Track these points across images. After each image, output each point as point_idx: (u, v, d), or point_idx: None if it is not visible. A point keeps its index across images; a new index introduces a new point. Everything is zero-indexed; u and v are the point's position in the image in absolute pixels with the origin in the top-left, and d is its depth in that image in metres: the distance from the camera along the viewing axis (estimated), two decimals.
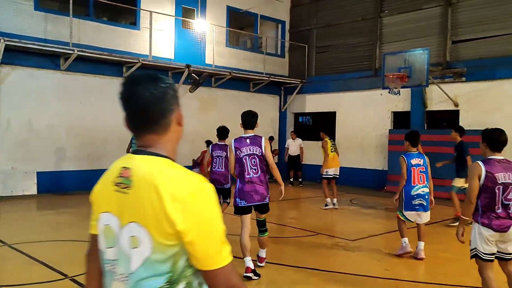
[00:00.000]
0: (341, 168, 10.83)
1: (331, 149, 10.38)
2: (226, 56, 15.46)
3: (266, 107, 17.16)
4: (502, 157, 4.01)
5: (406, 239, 6.30)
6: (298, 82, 16.75)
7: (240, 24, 17.16)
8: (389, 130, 14.06)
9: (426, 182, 6.21)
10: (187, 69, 13.20)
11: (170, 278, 1.39)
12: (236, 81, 15.49)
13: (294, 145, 15.14)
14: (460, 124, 12.64)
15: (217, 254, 1.39)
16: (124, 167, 1.47)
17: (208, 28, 14.71)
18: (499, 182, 3.87)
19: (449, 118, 13.24)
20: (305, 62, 16.97)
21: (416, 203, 6.19)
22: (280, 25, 17.70)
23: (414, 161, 6.23)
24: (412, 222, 6.32)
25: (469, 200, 3.99)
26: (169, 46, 13.98)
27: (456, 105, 12.80)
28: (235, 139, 5.63)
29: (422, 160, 6.26)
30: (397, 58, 12.13)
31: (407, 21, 14.16)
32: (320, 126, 16.55)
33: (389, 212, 9.84)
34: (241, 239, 5.39)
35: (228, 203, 7.75)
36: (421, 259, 6.18)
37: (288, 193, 12.62)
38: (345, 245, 7.02)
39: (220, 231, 1.41)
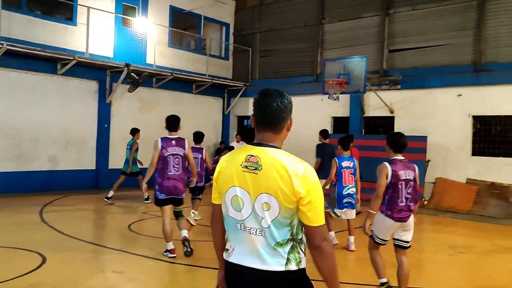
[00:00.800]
0: None
1: None
2: (169, 57, 15.16)
3: (209, 110, 17.01)
4: (403, 158, 4.62)
5: (333, 233, 7.00)
6: (242, 85, 16.74)
7: (183, 25, 16.91)
8: (330, 134, 14.33)
9: (354, 183, 6.83)
10: (126, 68, 12.79)
11: (291, 231, 2.04)
12: (179, 82, 15.23)
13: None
14: (395, 129, 13.21)
15: (320, 215, 2.04)
16: (250, 155, 2.10)
17: (150, 27, 14.36)
18: (401, 178, 4.48)
19: (385, 124, 13.75)
20: (249, 66, 17.01)
21: (346, 201, 6.80)
22: (224, 28, 17.62)
23: (344, 164, 6.78)
24: (338, 217, 6.92)
25: (377, 196, 4.51)
26: (108, 44, 13.49)
27: (392, 111, 13.30)
28: (161, 138, 6.13)
29: (352, 162, 6.85)
30: (337, 65, 12.43)
31: (347, 29, 14.57)
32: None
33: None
34: (163, 226, 5.99)
35: (200, 199, 8.76)
36: (352, 250, 6.82)
37: None
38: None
39: (322, 199, 2.06)
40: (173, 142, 6.04)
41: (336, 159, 6.82)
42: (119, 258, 6.08)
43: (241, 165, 2.10)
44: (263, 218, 2.04)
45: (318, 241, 2.02)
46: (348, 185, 6.76)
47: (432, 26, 12.83)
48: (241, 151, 2.15)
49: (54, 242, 6.80)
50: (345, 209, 6.81)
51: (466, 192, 11.53)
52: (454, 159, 12.09)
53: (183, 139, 6.15)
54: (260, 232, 2.04)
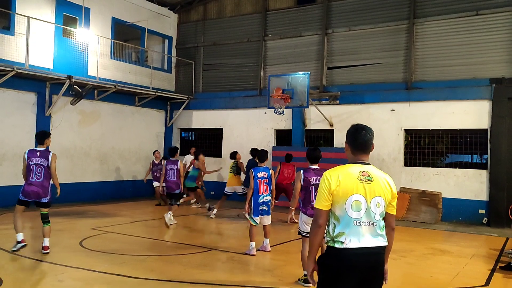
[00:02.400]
0: (222, 184, 11.69)
1: (230, 170, 11.97)
2: (111, 69, 14.91)
3: (152, 122, 16.89)
4: (317, 167, 6.05)
5: (253, 243, 7.47)
6: (185, 98, 16.82)
7: (125, 37, 16.73)
8: (273, 146, 14.84)
9: (269, 191, 7.44)
10: (68, 80, 12.44)
11: (382, 216, 3.05)
12: (121, 94, 15.02)
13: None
14: (335, 141, 13.97)
15: (395, 208, 3.13)
16: (362, 171, 3.02)
17: (92, 38, 14.07)
18: (311, 183, 5.82)
19: (326, 137, 14.49)
20: (192, 79, 17.15)
21: (261, 209, 7.39)
22: (167, 40, 17.64)
23: (260, 174, 7.39)
24: (258, 224, 7.43)
25: (294, 196, 6.11)
26: (47, 55, 13.05)
27: (331, 125, 14.06)
28: (28, 150, 7.10)
29: (266, 173, 7.45)
30: (281, 80, 12.96)
31: (289, 46, 15.22)
32: (206, 142, 16.90)
33: (274, 225, 10.38)
34: (14, 218, 7.08)
35: (178, 205, 10.24)
36: (268, 251, 7.66)
37: (183, 210, 12.61)
38: (239, 259, 7.26)
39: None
40: (38, 153, 6.96)
41: (252, 170, 7.35)
42: (80, 275, 5.99)
43: (357, 178, 2.98)
44: (375, 213, 2.99)
45: (394, 224, 3.16)
46: (263, 194, 7.32)
47: (367, 46, 13.79)
48: (352, 168, 3.04)
49: (6, 262, 6.53)
50: (260, 216, 7.37)
51: (400, 200, 12.42)
52: (388, 169, 12.97)
53: (49, 152, 7.05)
54: (371, 223, 2.98)
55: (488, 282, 6.42)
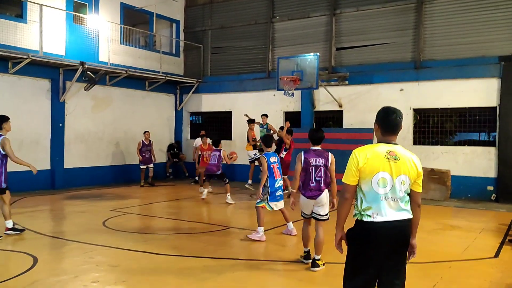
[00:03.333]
0: None
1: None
2: (121, 54, 15.09)
3: (162, 106, 17.12)
4: (319, 148, 5.79)
5: (262, 228, 7.24)
6: (194, 82, 16.99)
7: (133, 21, 16.84)
8: (281, 128, 14.99)
9: (281, 176, 7.35)
10: (81, 66, 12.65)
11: (407, 193, 3.25)
12: (132, 79, 15.23)
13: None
14: (344, 122, 14.14)
15: (420, 186, 3.30)
16: (390, 150, 3.20)
17: (102, 24, 14.22)
18: (311, 164, 5.66)
19: (335, 118, 14.66)
20: (201, 62, 17.28)
21: (278, 194, 7.28)
22: (174, 25, 17.74)
23: (272, 159, 7.30)
24: (273, 209, 7.28)
25: (295, 177, 5.78)
26: (59, 42, 13.24)
27: (340, 106, 14.21)
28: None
29: (276, 158, 7.38)
30: (290, 62, 13.09)
31: (296, 28, 15.28)
32: (215, 125, 17.13)
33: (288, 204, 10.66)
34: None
35: (227, 182, 11.24)
36: (295, 235, 7.42)
37: (195, 191, 12.91)
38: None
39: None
40: None
41: (264, 156, 7.18)
42: (109, 253, 6.30)
43: (384, 157, 3.18)
44: (400, 190, 3.19)
45: (420, 201, 3.33)
46: (278, 178, 7.21)
47: (376, 26, 13.84)
48: (380, 147, 3.23)
49: (37, 242, 6.86)
50: (278, 201, 7.25)
51: None
52: None
53: (5, 139, 7.12)
54: (396, 199, 3.20)
55: (497, 254, 6.68)
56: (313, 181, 5.67)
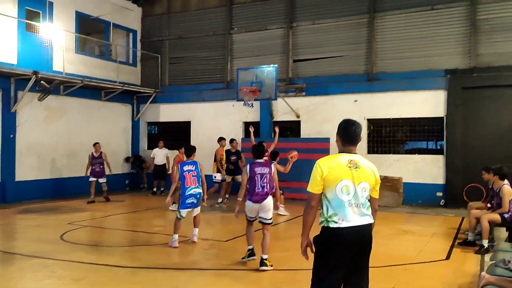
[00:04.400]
0: None
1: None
2: (76, 63, 14.75)
3: (119, 116, 16.85)
4: (262, 160, 6.51)
5: (176, 236, 7.55)
6: (152, 92, 16.86)
7: (89, 30, 16.52)
8: (241, 138, 15.20)
9: (198, 184, 7.60)
10: (34, 76, 12.28)
11: (367, 199, 3.48)
12: (87, 89, 14.90)
13: (160, 154, 15.05)
14: (302, 132, 14.49)
15: (378, 192, 3.58)
16: (350, 159, 3.45)
17: (56, 33, 13.88)
18: (257, 173, 6.32)
19: (293, 128, 14.99)
20: (159, 72, 17.19)
21: (189, 201, 7.55)
22: (131, 34, 17.56)
23: (186, 168, 7.62)
24: (184, 217, 7.57)
25: (242, 187, 6.40)
26: (11, 50, 12.78)
27: (298, 116, 14.56)
28: None
29: (194, 166, 7.64)
30: (249, 73, 13.31)
31: (254, 39, 15.56)
32: (174, 135, 17.06)
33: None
34: None
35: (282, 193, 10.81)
36: (194, 242, 7.68)
37: (153, 202, 12.79)
38: (219, 245, 7.61)
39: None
40: None
41: (179, 165, 7.66)
42: (71, 267, 6.16)
43: (346, 165, 3.43)
44: (362, 196, 3.44)
45: (377, 206, 3.62)
46: (190, 186, 7.51)
47: (331, 39, 14.34)
48: (341, 157, 3.48)
49: None
50: (188, 209, 7.59)
51: None
52: None
53: None
54: (358, 205, 3.43)
55: (448, 256, 7.10)
56: (259, 187, 6.32)
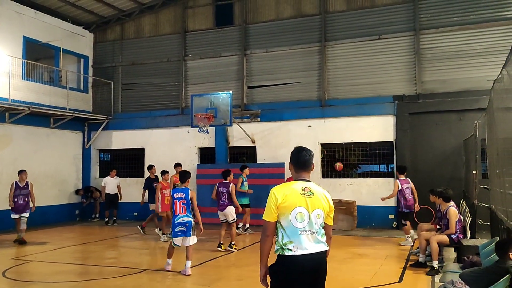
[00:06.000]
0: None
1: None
2: (23, 90, 14.21)
3: (69, 144, 16.30)
4: (226, 181, 9.94)
5: (170, 261, 7.70)
6: (104, 118, 16.48)
7: (37, 56, 16.03)
8: (197, 165, 15.06)
9: (187, 212, 7.38)
10: None
11: (322, 226, 3.50)
12: (35, 116, 14.36)
13: (112, 183, 14.61)
14: (257, 157, 14.54)
15: (332, 219, 3.63)
16: (304, 187, 3.47)
17: (2, 58, 13.37)
18: (221, 191, 9.80)
19: (248, 153, 15.03)
20: (111, 99, 16.86)
21: (178, 230, 7.38)
22: (82, 60, 17.20)
23: (177, 195, 7.46)
24: (179, 246, 7.51)
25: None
26: None
27: (253, 141, 14.64)
28: None
29: (184, 193, 7.45)
30: (204, 99, 13.31)
31: (209, 66, 15.65)
32: (127, 163, 16.67)
33: (203, 242, 10.62)
34: None
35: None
36: (188, 275, 7.29)
37: (105, 233, 12.33)
38: (173, 277, 7.39)
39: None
40: None
41: (171, 191, 7.54)
42: None
43: (300, 193, 3.44)
44: (316, 223, 3.45)
45: (331, 233, 3.66)
46: (179, 215, 7.37)
47: (284, 66, 14.65)
48: (295, 184, 3.50)
49: None
50: (179, 237, 7.42)
51: None
52: None
53: None
54: (313, 232, 3.44)
55: (401, 278, 7.23)
56: (222, 200, 9.71)
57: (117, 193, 14.66)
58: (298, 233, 3.39)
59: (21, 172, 11.34)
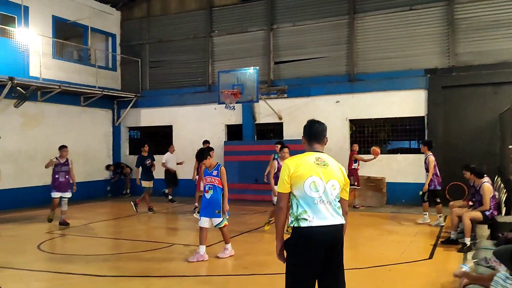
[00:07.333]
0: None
1: None
2: (54, 68, 14.46)
3: (99, 122, 16.58)
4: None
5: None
6: (132, 96, 16.63)
7: (66, 35, 16.23)
8: (224, 141, 15.08)
9: (213, 192, 6.81)
10: (10, 82, 11.99)
11: (338, 198, 3.37)
12: (66, 95, 14.62)
13: (173, 159, 13.95)
14: (284, 134, 14.41)
15: (348, 193, 3.50)
16: (318, 157, 3.39)
17: (32, 38, 13.58)
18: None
19: (275, 130, 14.93)
20: (139, 76, 16.97)
21: (204, 210, 6.85)
22: (110, 38, 17.31)
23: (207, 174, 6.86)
24: (206, 227, 6.86)
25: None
26: None
27: (280, 118, 14.50)
28: None
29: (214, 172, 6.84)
30: (230, 76, 13.22)
31: (235, 42, 15.47)
32: (155, 140, 16.86)
33: (231, 217, 10.67)
34: None
35: None
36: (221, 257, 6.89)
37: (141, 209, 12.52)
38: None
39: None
40: None
41: (203, 171, 6.92)
42: (46, 278, 5.96)
43: (314, 163, 3.36)
44: (331, 194, 3.34)
45: (347, 208, 3.51)
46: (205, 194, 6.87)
47: (312, 40, 14.33)
48: (309, 156, 3.43)
49: None
50: (205, 217, 6.83)
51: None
52: (335, 158, 13.53)
53: None
54: (329, 203, 3.32)
55: (431, 255, 7.08)
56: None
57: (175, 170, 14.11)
58: (314, 203, 3.28)
59: (62, 148, 10.47)
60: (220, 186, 6.78)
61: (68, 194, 10.30)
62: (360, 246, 7.94)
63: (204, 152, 6.98)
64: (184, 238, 9.11)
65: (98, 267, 6.48)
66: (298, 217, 3.27)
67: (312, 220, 3.25)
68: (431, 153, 9.86)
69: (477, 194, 7.61)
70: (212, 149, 9.45)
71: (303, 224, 3.25)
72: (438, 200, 9.66)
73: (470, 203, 8.04)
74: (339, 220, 3.33)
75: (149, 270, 6.32)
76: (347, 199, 3.49)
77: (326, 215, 3.27)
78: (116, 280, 5.86)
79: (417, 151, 13.28)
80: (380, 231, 9.15)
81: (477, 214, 7.36)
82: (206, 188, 6.79)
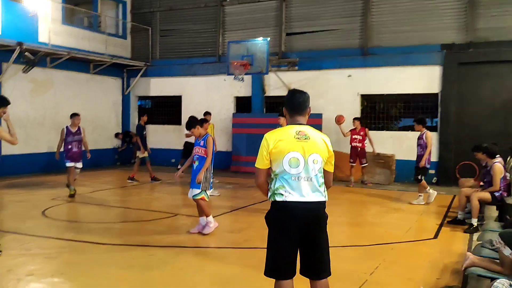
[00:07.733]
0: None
1: None
2: (63, 34, 14.29)
3: (108, 90, 16.51)
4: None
5: (211, 217, 6.66)
6: (142, 65, 16.47)
7: (76, 0, 15.99)
8: (233, 113, 14.93)
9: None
10: (19, 47, 11.89)
11: (322, 177, 3.27)
12: (75, 61, 14.51)
13: None
14: None
15: (333, 166, 3.36)
16: (300, 130, 3.22)
17: (41, 2, 13.38)
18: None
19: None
20: (149, 45, 16.76)
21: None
22: (121, 5, 17.04)
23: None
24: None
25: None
26: None
27: None
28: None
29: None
30: (240, 47, 12.95)
31: (247, 12, 15.10)
32: (164, 110, 16.77)
33: (236, 190, 10.65)
34: None
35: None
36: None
37: (143, 178, 12.54)
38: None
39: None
40: None
41: (211, 137, 6.59)
42: (48, 244, 6.00)
43: (294, 137, 3.20)
44: (313, 169, 3.21)
45: (331, 183, 3.39)
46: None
47: (324, 12, 13.92)
48: (289, 129, 3.25)
49: None
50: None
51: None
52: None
53: None
54: (310, 179, 3.21)
55: (436, 235, 6.96)
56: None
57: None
58: (292, 179, 3.19)
59: (73, 116, 9.82)
60: (205, 156, 6.51)
61: (80, 165, 9.90)
62: (365, 224, 7.84)
63: (192, 121, 6.64)
64: (187, 209, 9.08)
65: (100, 234, 6.49)
66: (275, 192, 3.23)
67: (288, 196, 3.18)
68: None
69: (488, 175, 7.42)
70: (206, 120, 8.96)
71: (278, 198, 3.21)
72: (420, 178, 9.41)
73: (481, 183, 7.86)
74: (318, 196, 3.23)
75: (151, 240, 6.31)
76: (332, 171, 3.36)
77: (303, 192, 3.18)
78: (117, 249, 5.86)
79: (429, 129, 12.87)
80: (386, 209, 9.04)
81: (486, 195, 7.19)
82: (194, 159, 6.62)
